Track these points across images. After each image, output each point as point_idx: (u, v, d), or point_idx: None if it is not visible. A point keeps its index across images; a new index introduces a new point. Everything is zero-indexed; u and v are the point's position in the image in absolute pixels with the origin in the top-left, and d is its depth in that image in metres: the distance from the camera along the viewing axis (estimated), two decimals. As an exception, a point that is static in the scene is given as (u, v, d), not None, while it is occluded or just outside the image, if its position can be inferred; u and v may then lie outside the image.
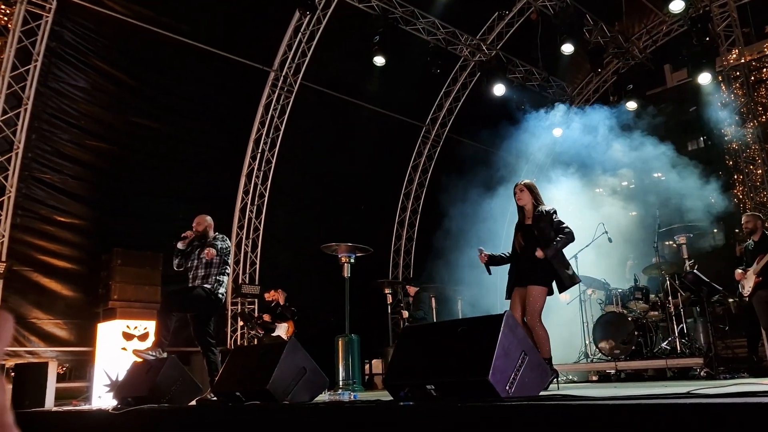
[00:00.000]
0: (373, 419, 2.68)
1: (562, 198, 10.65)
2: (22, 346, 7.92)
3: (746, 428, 1.50)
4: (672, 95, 12.84)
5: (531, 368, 2.69)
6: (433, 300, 10.62)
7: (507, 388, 2.58)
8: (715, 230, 9.10)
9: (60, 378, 7.84)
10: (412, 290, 9.88)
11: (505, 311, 2.71)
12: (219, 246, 5.30)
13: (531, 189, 4.91)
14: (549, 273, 4.63)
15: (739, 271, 5.99)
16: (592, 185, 11.02)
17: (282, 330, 8.84)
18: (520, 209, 4.93)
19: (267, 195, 10.87)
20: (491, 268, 4.97)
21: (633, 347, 6.86)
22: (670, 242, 8.27)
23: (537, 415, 2.17)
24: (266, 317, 8.97)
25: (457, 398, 2.57)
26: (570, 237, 4.68)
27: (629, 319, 6.99)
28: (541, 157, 11.23)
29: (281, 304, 9.13)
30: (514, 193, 4.93)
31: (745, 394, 1.86)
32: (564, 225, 4.73)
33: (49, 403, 6.29)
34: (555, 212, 4.78)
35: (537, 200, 4.88)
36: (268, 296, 9.33)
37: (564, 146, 11.43)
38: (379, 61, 9.65)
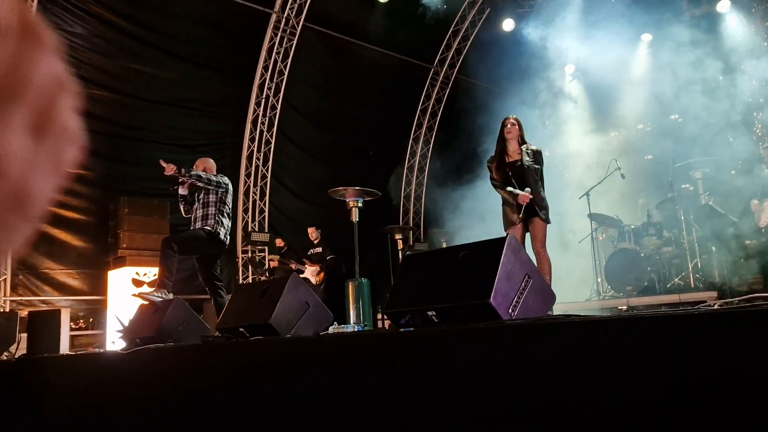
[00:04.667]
0: (373, 346, 2.62)
1: (575, 136, 10.42)
2: (36, 296, 8.01)
3: (754, 332, 1.40)
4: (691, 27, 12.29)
5: (535, 292, 2.60)
6: (444, 245, 10.57)
7: (510, 311, 2.50)
8: (733, 172, 8.82)
9: (77, 328, 7.96)
10: None
11: (508, 233, 2.60)
12: (206, 175, 5.15)
13: (520, 124, 4.91)
14: (547, 209, 4.79)
15: (754, 201, 5.82)
16: (608, 125, 10.73)
17: (310, 273, 8.69)
18: (504, 143, 4.87)
19: (273, 142, 10.72)
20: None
21: (645, 283, 6.77)
22: (687, 185, 8.06)
23: (539, 334, 2.09)
24: (273, 263, 8.95)
25: (459, 323, 2.50)
26: None
27: (642, 255, 6.87)
28: (552, 95, 10.90)
29: (314, 242, 8.95)
30: (504, 125, 4.88)
31: (754, 304, 1.76)
32: (543, 175, 4.89)
33: (64, 349, 6.37)
34: (542, 153, 4.88)
35: (523, 136, 4.87)
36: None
37: (577, 85, 11.09)
38: (383, -3, 9.30)
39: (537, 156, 4.78)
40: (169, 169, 4.93)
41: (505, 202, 4.79)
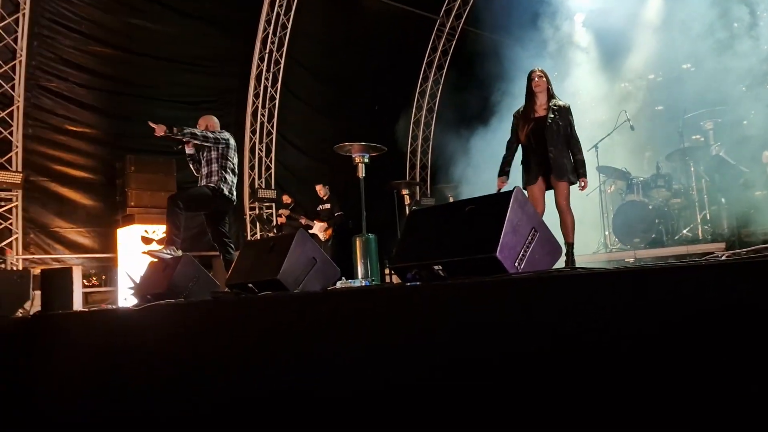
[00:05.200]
0: (380, 300, 2.64)
1: (585, 86, 10.24)
2: (47, 254, 8.11)
3: (761, 283, 1.39)
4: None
5: (541, 244, 2.59)
6: (451, 200, 10.55)
7: (516, 264, 2.50)
8: (745, 122, 8.64)
9: (89, 285, 8.08)
10: None
11: (515, 187, 2.58)
12: (201, 132, 5.11)
13: (547, 77, 4.75)
14: (573, 170, 4.68)
15: (766, 152, 5.75)
16: (619, 75, 10.50)
17: (319, 229, 8.68)
18: (532, 97, 4.73)
19: (278, 98, 10.61)
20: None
21: (653, 235, 6.75)
22: (698, 136, 7.93)
23: (546, 286, 2.09)
24: (281, 219, 8.97)
25: (465, 276, 2.50)
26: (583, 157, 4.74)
27: (650, 207, 6.83)
28: (562, 45, 10.65)
29: (323, 199, 8.92)
30: (532, 79, 4.73)
31: (762, 255, 1.74)
32: (575, 132, 4.70)
33: (77, 306, 6.48)
34: (571, 110, 4.71)
35: (551, 90, 4.73)
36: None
37: (587, 34, 10.81)
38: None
39: (563, 112, 4.63)
40: (159, 129, 4.83)
41: (524, 162, 4.79)
